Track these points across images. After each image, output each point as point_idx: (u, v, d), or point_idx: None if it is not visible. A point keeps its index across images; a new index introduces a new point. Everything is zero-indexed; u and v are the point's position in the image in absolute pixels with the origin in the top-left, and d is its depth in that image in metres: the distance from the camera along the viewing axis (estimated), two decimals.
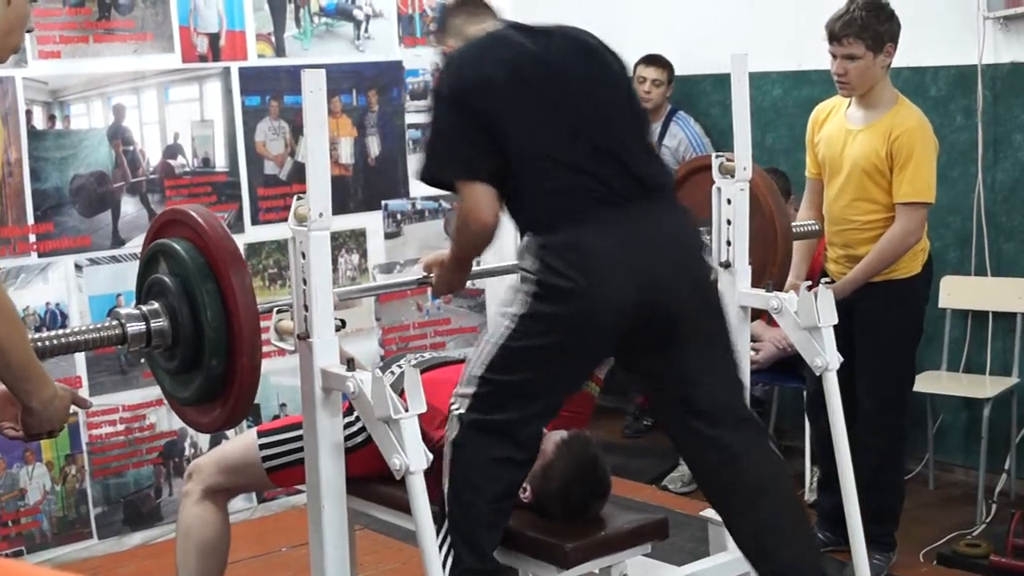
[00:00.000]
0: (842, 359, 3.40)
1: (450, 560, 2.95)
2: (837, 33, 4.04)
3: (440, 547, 2.90)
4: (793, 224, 3.85)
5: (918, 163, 4.01)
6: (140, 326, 2.74)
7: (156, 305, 2.76)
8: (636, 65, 5.98)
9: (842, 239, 4.21)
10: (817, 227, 4.08)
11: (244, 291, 2.68)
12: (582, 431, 3.30)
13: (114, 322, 2.74)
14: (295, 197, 2.81)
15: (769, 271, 3.58)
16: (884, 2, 4.08)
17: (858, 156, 4.08)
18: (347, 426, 3.06)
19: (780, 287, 3.54)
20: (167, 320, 2.73)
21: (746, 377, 3.59)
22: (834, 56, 4.08)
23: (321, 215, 2.74)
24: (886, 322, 4.18)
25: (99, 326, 2.74)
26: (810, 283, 3.39)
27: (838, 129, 4.17)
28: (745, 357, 3.60)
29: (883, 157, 4.04)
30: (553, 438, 3.20)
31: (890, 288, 4.15)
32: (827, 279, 3.44)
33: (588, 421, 3.46)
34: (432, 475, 2.77)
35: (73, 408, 2.52)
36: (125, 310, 2.77)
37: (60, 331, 2.71)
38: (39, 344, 2.61)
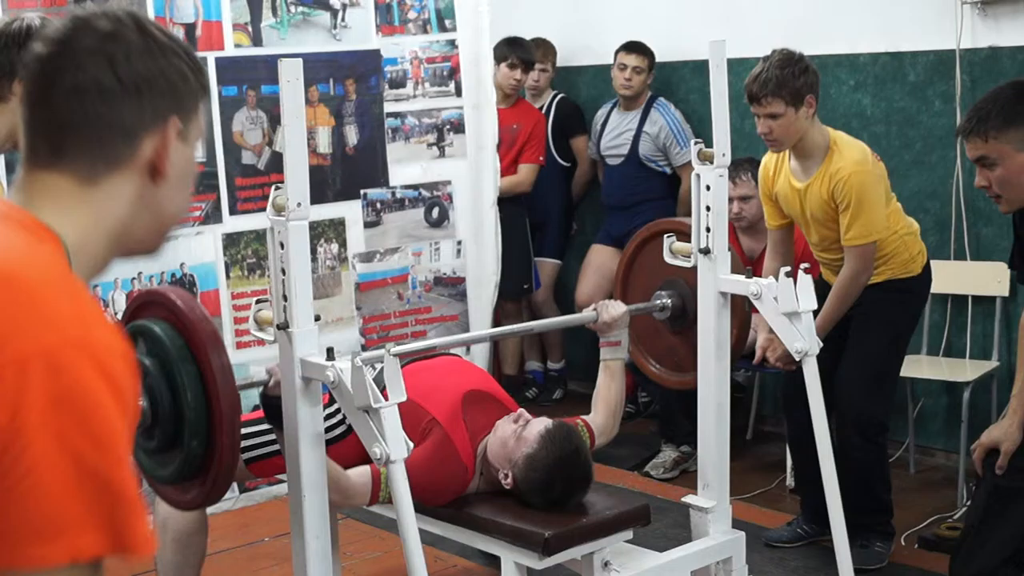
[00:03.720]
0: (821, 344, 3.41)
1: None
2: (756, 94, 4.05)
3: None
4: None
5: (858, 207, 4.05)
6: None
7: None
8: (617, 52, 5.98)
9: (831, 269, 4.27)
10: None
11: (224, 373, 2.64)
12: (566, 422, 3.29)
13: None
14: (273, 187, 2.79)
15: None
16: (797, 55, 4.09)
17: (814, 210, 4.16)
18: (328, 417, 3.06)
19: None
20: (147, 400, 2.69)
21: (726, 364, 3.60)
22: (757, 116, 4.10)
23: (299, 205, 2.73)
24: (882, 314, 4.22)
25: None
26: (788, 269, 3.40)
27: (789, 189, 4.22)
28: (725, 344, 3.61)
29: (833, 206, 4.10)
30: (536, 427, 3.20)
31: (890, 287, 4.21)
32: (806, 265, 3.45)
33: None
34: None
35: None
36: None
37: None
38: None
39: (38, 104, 1.43)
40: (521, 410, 3.30)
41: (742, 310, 3.70)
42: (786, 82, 4.01)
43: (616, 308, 3.58)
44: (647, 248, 3.87)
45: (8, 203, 1.43)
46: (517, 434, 3.20)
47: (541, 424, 3.22)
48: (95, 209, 1.43)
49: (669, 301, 3.72)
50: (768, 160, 4.33)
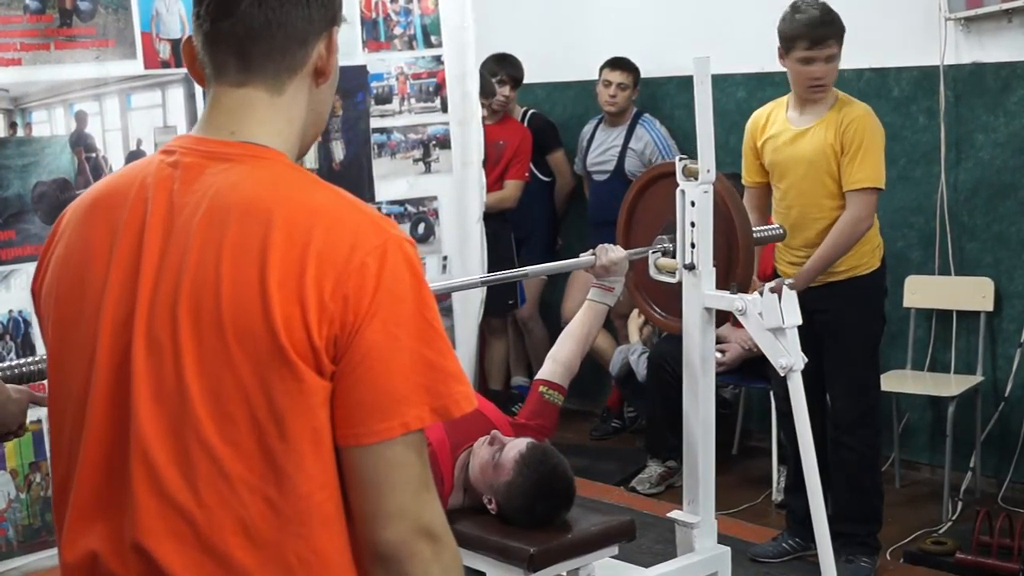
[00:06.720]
0: (806, 359, 3.42)
1: None
2: (818, 37, 4.01)
3: None
4: (755, 229, 3.85)
5: (867, 150, 4.05)
6: None
7: None
8: (602, 69, 6.00)
9: (801, 240, 4.22)
10: (781, 231, 4.07)
11: None
12: (540, 442, 3.26)
13: None
14: None
15: (732, 275, 3.58)
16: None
17: (811, 152, 4.11)
18: None
19: (744, 290, 3.54)
20: None
21: (711, 379, 3.60)
22: (809, 60, 4.05)
23: None
24: (853, 319, 4.22)
25: None
26: (772, 284, 3.40)
27: (784, 132, 4.19)
28: (710, 359, 3.61)
29: (837, 149, 4.07)
30: (511, 453, 3.17)
31: (853, 286, 4.20)
32: (790, 280, 3.45)
33: (554, 431, 3.44)
34: None
35: (37, 416, 2.49)
36: None
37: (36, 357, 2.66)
38: (14, 371, 2.56)
39: (222, 16, 1.54)
40: (495, 432, 3.26)
41: None
42: (836, 21, 4.03)
43: (615, 252, 3.53)
44: (649, 192, 3.76)
45: (227, 143, 1.56)
46: (494, 460, 3.18)
47: (515, 449, 3.18)
48: (287, 116, 1.60)
49: (671, 245, 3.62)
50: (759, 113, 4.32)
